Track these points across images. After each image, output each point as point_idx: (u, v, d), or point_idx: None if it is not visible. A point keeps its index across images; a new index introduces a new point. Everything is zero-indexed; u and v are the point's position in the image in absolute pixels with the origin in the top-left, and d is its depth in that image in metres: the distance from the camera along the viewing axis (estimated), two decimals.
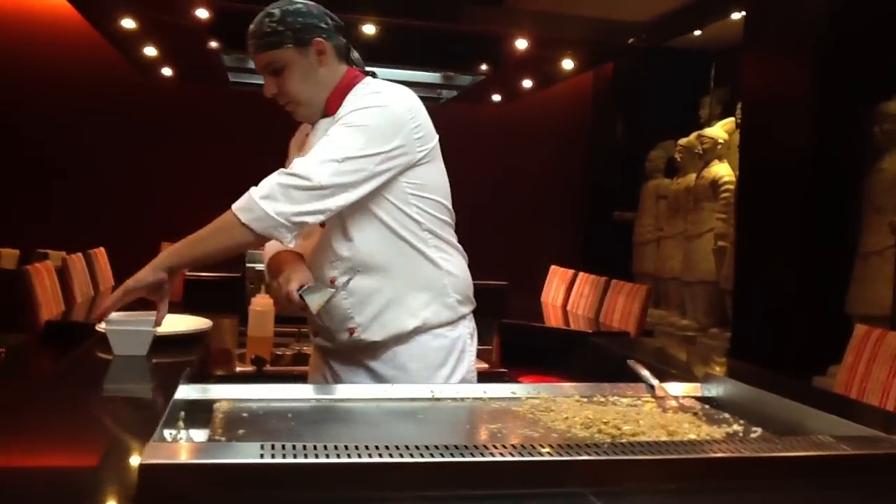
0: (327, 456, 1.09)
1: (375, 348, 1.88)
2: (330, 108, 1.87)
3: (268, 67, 1.84)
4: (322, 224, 1.83)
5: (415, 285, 1.86)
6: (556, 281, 5.86)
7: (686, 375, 1.93)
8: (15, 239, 7.18)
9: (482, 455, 1.13)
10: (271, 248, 1.97)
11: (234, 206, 1.71)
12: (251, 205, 1.69)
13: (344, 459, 1.08)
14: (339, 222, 1.82)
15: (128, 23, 6.09)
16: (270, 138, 9.07)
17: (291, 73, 1.83)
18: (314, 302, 1.74)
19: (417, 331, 1.87)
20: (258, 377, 2.56)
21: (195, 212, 8.16)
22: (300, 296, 1.74)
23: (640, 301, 4.63)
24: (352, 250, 1.82)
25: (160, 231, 7.10)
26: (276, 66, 1.83)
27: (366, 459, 1.09)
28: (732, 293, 5.61)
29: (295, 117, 1.94)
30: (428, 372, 1.89)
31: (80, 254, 5.05)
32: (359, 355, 1.90)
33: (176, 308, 3.34)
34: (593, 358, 2.31)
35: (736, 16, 5.97)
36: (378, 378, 1.87)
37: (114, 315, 1.91)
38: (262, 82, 1.92)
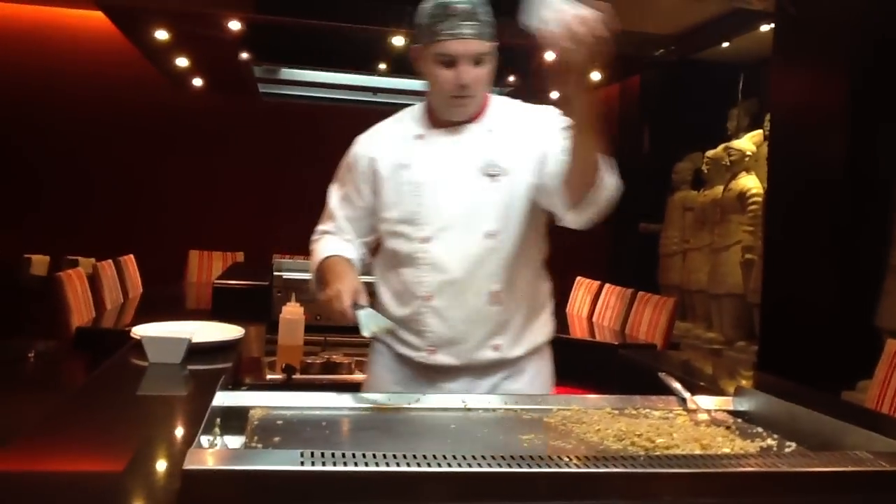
0: (366, 465, 1.10)
1: (509, 365, 1.90)
2: (477, 112, 1.89)
3: (477, 55, 1.79)
4: (491, 235, 1.82)
5: (541, 301, 1.96)
6: (582, 292, 5.85)
7: (715, 388, 1.92)
8: (46, 246, 7.29)
9: (518, 466, 1.14)
10: (320, 251, 1.96)
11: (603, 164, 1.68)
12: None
13: (382, 468, 1.09)
14: (517, 235, 1.85)
15: (161, 34, 6.17)
16: (299, 149, 9.12)
17: (491, 68, 1.84)
18: (368, 325, 1.68)
19: (545, 344, 1.97)
20: (288, 385, 2.58)
21: (223, 220, 8.24)
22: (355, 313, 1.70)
23: (667, 313, 4.61)
24: (519, 267, 1.87)
25: (188, 239, 7.21)
26: (484, 58, 1.81)
27: (404, 469, 1.10)
28: (760, 306, 5.56)
29: (462, 111, 1.87)
30: (545, 388, 1.98)
31: (110, 261, 5.11)
32: (491, 373, 1.89)
33: (205, 316, 3.37)
34: (621, 370, 2.30)
35: (764, 28, 5.95)
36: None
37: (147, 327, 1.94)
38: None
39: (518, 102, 1.98)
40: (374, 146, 1.95)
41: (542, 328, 1.97)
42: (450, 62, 1.79)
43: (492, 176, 1.83)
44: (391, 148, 1.92)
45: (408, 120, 1.96)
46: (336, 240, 1.98)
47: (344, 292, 1.71)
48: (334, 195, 2.03)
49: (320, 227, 2.04)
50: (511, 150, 1.86)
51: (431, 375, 1.89)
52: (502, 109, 1.93)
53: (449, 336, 1.85)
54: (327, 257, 1.92)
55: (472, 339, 1.85)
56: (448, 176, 1.85)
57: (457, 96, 1.82)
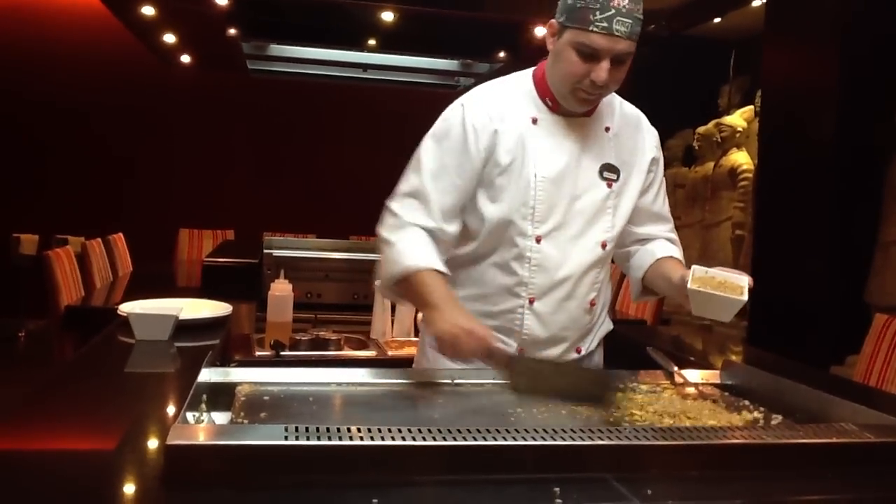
0: (350, 438, 1.10)
1: (583, 359, 1.88)
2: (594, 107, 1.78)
3: (621, 54, 1.63)
4: (604, 245, 1.79)
5: (609, 300, 1.94)
6: None
7: (704, 363, 1.93)
8: (35, 224, 7.24)
9: (504, 439, 1.14)
10: (413, 255, 1.68)
11: None
12: None
13: (367, 442, 1.09)
14: (615, 246, 1.84)
15: (147, 10, 6.10)
16: (288, 126, 9.03)
17: (627, 68, 1.68)
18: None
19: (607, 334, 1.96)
20: (277, 362, 2.57)
21: (213, 198, 8.18)
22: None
23: None
24: (606, 272, 1.87)
25: (177, 217, 7.17)
26: (627, 58, 1.65)
27: (389, 442, 1.10)
28: None
29: (585, 106, 1.74)
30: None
31: (99, 239, 5.08)
32: None
33: (195, 293, 3.36)
34: (611, 346, 2.31)
35: (756, 3, 5.92)
36: None
37: (135, 304, 1.93)
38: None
39: (620, 100, 1.87)
40: (494, 119, 1.74)
41: (608, 323, 1.95)
42: (591, 55, 1.62)
43: (607, 180, 1.77)
44: (511, 127, 1.74)
45: (519, 96, 1.79)
46: (430, 244, 1.71)
47: (488, 334, 1.61)
48: (428, 173, 1.73)
49: (405, 214, 1.72)
50: (626, 157, 1.81)
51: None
52: (612, 106, 1.83)
53: (543, 339, 1.78)
54: (427, 270, 1.67)
55: (563, 345, 1.81)
56: (568, 173, 1.73)
57: (585, 90, 1.67)
